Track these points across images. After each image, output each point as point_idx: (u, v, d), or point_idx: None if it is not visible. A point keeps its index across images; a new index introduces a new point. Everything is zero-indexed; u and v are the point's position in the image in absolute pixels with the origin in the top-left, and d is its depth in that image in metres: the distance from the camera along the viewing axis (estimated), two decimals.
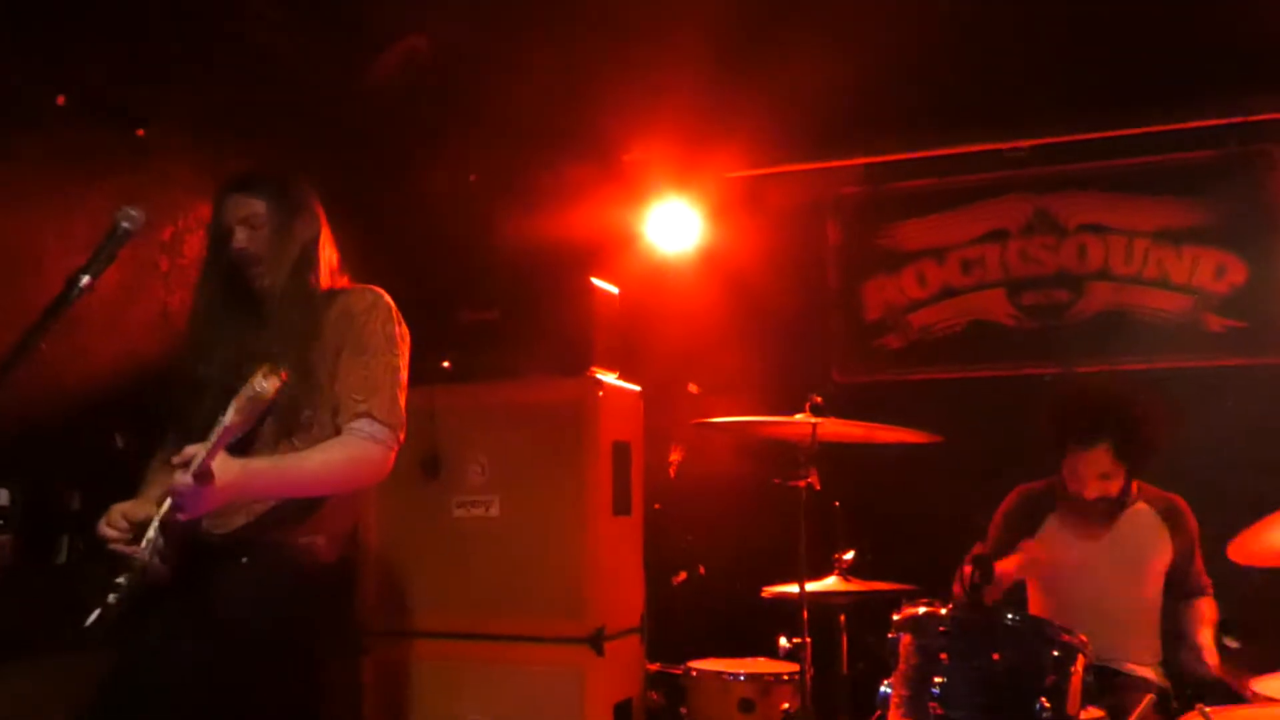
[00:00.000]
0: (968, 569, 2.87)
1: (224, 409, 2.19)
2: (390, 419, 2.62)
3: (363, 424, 2.58)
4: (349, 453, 2.56)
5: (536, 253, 4.51)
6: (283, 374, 2.20)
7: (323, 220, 2.81)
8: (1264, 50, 4.11)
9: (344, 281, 2.82)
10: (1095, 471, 3.41)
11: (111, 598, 2.31)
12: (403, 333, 2.75)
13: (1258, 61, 4.19)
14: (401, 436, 2.67)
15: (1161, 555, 3.54)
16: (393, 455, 2.65)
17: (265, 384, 2.16)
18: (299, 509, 2.57)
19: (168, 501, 2.32)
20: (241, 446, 2.37)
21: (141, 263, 3.65)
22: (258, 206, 2.68)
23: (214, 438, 2.21)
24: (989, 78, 4.42)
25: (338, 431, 2.60)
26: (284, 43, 3.98)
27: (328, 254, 2.79)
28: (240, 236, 2.67)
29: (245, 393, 2.17)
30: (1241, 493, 3.68)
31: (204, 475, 2.23)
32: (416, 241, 4.51)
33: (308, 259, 2.71)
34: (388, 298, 2.76)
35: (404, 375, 2.71)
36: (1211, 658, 3.32)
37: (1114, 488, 3.44)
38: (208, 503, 2.29)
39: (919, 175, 4.93)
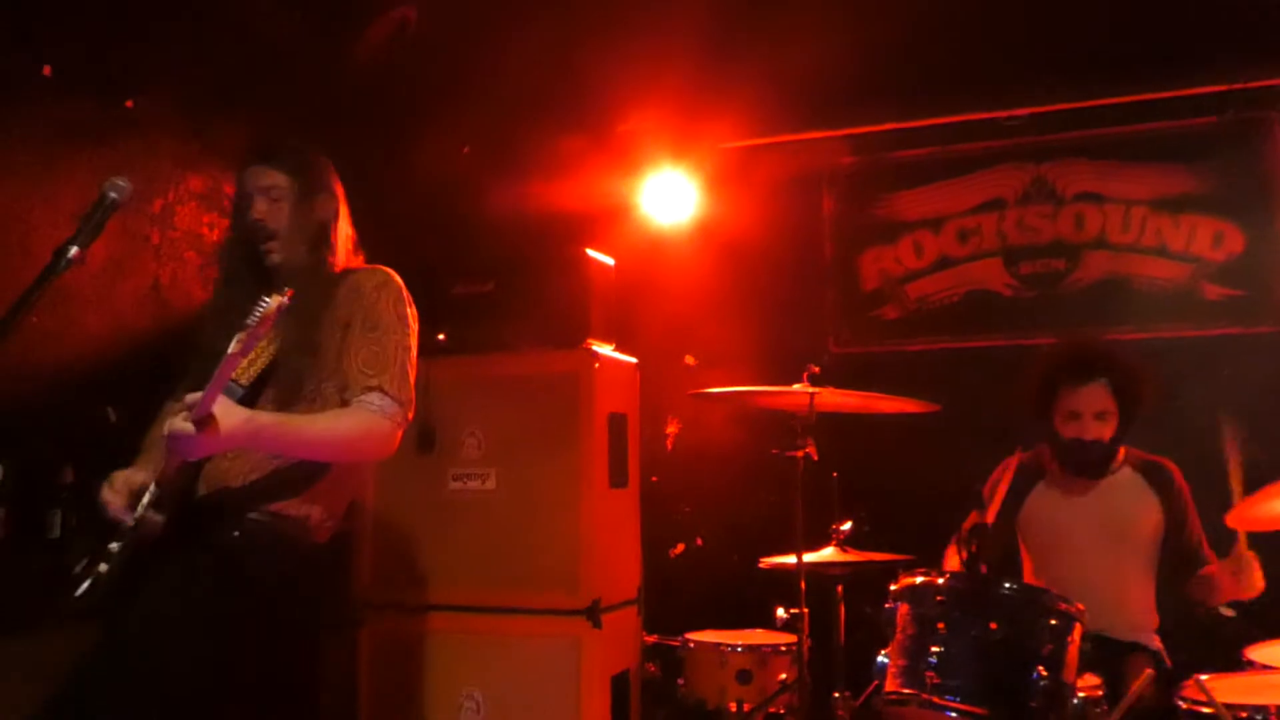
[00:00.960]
0: (961, 542, 2.87)
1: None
2: (401, 395, 2.61)
3: (374, 397, 2.57)
4: (358, 422, 2.54)
5: (531, 225, 4.49)
6: (288, 291, 2.19)
7: (341, 199, 2.80)
8: (1262, 17, 4.09)
9: (358, 261, 2.81)
10: (1093, 409, 3.40)
11: (103, 566, 2.29)
12: (413, 313, 2.75)
13: (1256, 28, 4.17)
14: (410, 415, 2.66)
15: (1148, 519, 3.51)
16: (399, 433, 2.64)
17: (268, 301, 2.14)
18: (296, 479, 2.56)
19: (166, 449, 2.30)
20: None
21: (132, 236, 3.62)
22: (279, 179, 2.68)
23: (217, 371, 2.19)
24: (985, 46, 4.39)
25: (344, 405, 2.58)
26: (274, 14, 3.94)
27: (344, 234, 2.79)
28: (260, 207, 2.66)
29: (251, 319, 2.14)
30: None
31: (205, 420, 2.21)
32: (410, 214, 4.48)
33: (325, 238, 2.71)
34: (397, 278, 2.75)
35: (414, 355, 2.71)
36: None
37: (1109, 430, 3.43)
38: (206, 446, 2.26)
39: (914, 145, 4.90)
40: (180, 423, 2.22)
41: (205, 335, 2.61)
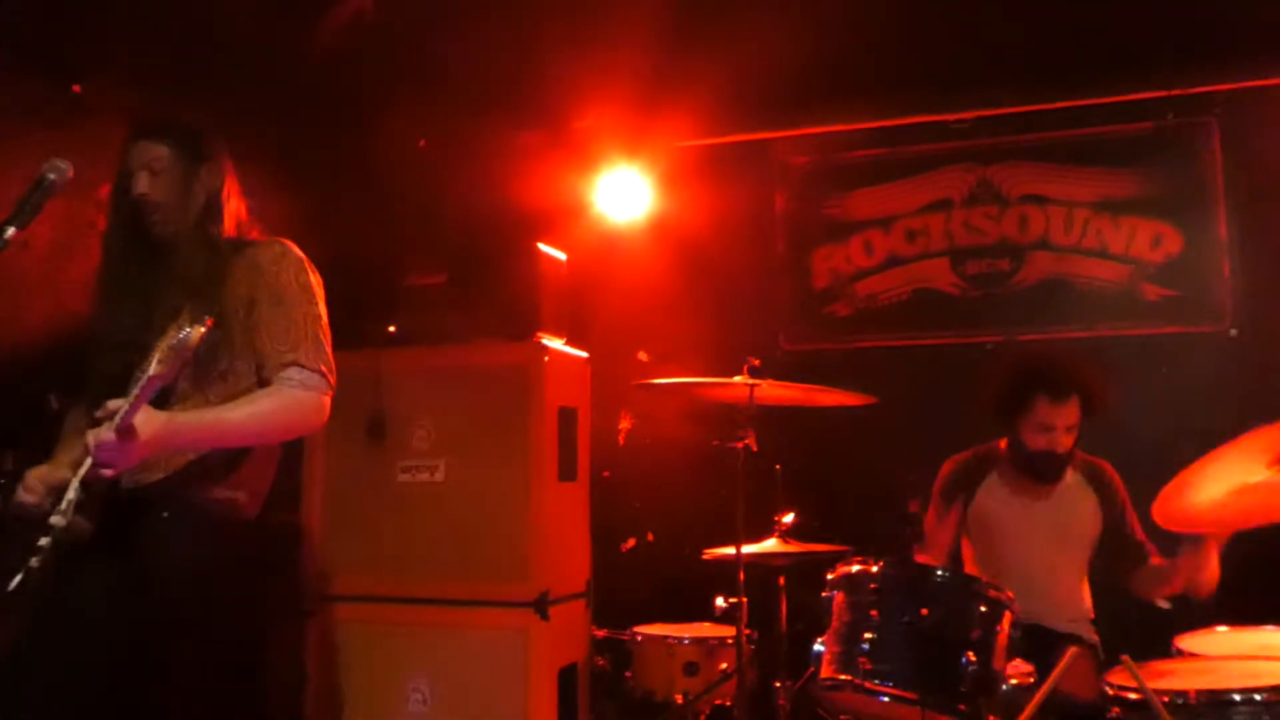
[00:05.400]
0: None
1: (142, 360, 2.17)
2: (318, 364, 2.61)
3: (292, 373, 2.57)
4: (280, 402, 2.54)
5: (485, 218, 4.50)
6: (208, 320, 2.20)
7: (230, 170, 2.76)
8: (1201, 24, 4.18)
9: (254, 233, 2.78)
10: (1066, 424, 3.46)
11: (34, 561, 2.28)
12: (317, 280, 2.72)
13: (1196, 36, 4.27)
14: (333, 380, 2.65)
15: (1090, 518, 3.60)
16: (327, 399, 2.64)
17: (190, 331, 2.15)
18: (219, 465, 2.56)
19: (88, 461, 2.30)
20: (158, 401, 2.35)
21: (76, 221, 3.59)
22: (161, 151, 2.65)
23: (137, 390, 2.19)
24: (934, 50, 4.46)
25: (261, 384, 2.58)
26: (228, 0, 3.93)
27: (234, 205, 2.75)
28: (141, 182, 2.63)
29: (169, 342, 2.15)
30: (1174, 458, 3.76)
31: (127, 430, 2.21)
32: (364, 205, 4.48)
33: (212, 208, 2.67)
34: (296, 249, 2.73)
35: (325, 322, 2.69)
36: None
37: (1071, 441, 3.50)
38: (131, 457, 2.27)
39: (865, 146, 4.97)
40: (104, 432, 2.22)
41: (104, 321, 2.61)
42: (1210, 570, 3.22)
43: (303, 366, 2.58)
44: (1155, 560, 3.48)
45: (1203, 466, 2.66)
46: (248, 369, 2.59)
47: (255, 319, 2.60)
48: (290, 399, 2.56)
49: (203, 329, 2.17)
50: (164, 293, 2.57)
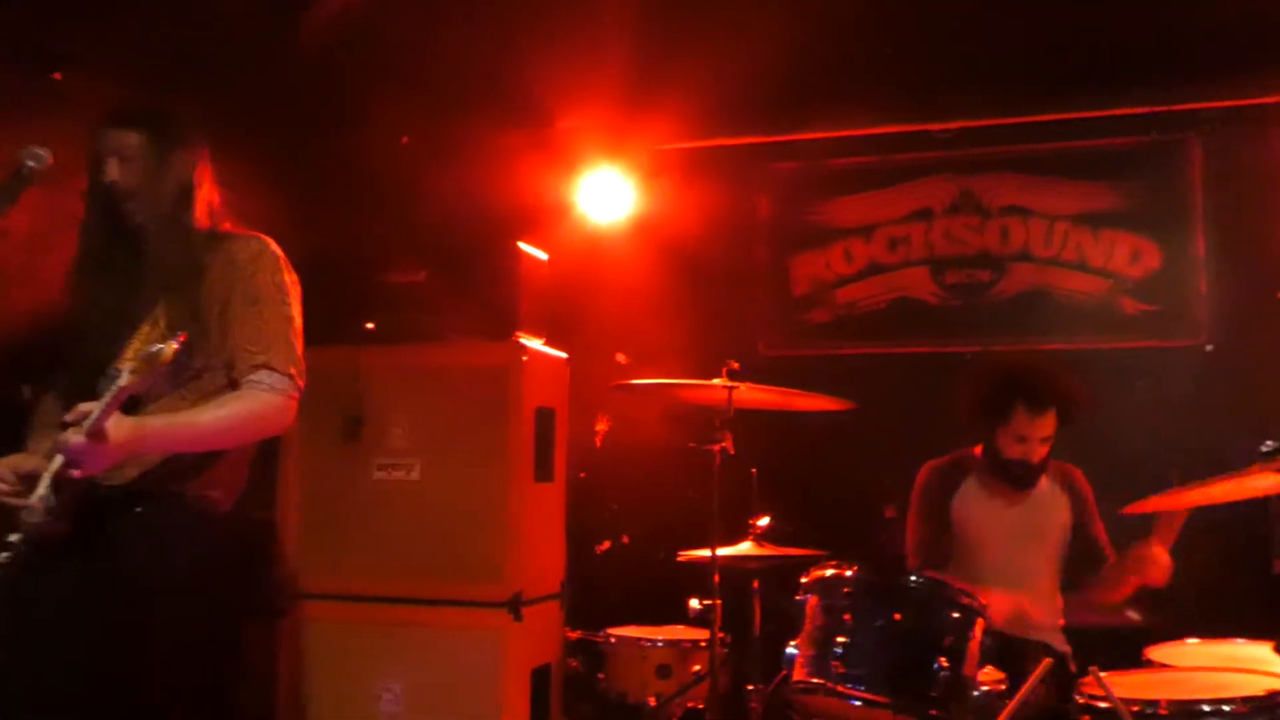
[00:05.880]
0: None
1: (116, 352, 2.15)
2: (288, 368, 2.58)
3: (262, 375, 2.54)
4: (248, 406, 2.52)
5: (466, 217, 4.49)
6: (181, 336, 2.19)
7: (204, 157, 2.72)
8: (1186, 41, 4.21)
9: (227, 225, 2.74)
10: (1041, 435, 3.49)
11: (3, 556, 2.27)
12: (292, 279, 2.69)
13: (1180, 52, 4.30)
14: (302, 384, 2.62)
15: (1061, 523, 3.63)
16: (294, 403, 2.61)
17: (163, 347, 2.14)
18: (193, 463, 2.53)
19: (58, 459, 2.28)
20: (132, 400, 2.32)
21: (57, 211, 3.56)
22: (131, 139, 2.60)
23: (108, 398, 2.17)
24: (919, 60, 4.48)
25: (232, 384, 2.56)
26: None
27: (206, 192, 2.70)
28: (112, 170, 2.59)
29: (142, 354, 2.14)
30: (1150, 471, 3.81)
31: (98, 434, 2.20)
32: (345, 202, 4.47)
33: (184, 195, 2.63)
34: (274, 245, 2.69)
35: (299, 323, 2.66)
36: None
37: (1047, 450, 3.53)
38: (101, 461, 2.26)
39: (848, 153, 4.99)
40: (74, 436, 2.20)
41: (79, 309, 2.59)
42: (1161, 560, 3.26)
43: (273, 370, 2.55)
44: (1109, 563, 3.53)
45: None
46: (221, 369, 2.57)
47: (229, 317, 2.57)
48: (259, 402, 2.53)
49: (175, 345, 2.16)
50: (140, 282, 2.54)
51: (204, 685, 2.59)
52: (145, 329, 2.42)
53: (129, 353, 2.24)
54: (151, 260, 2.57)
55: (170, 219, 2.60)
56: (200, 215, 2.66)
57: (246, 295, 2.59)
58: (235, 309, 2.57)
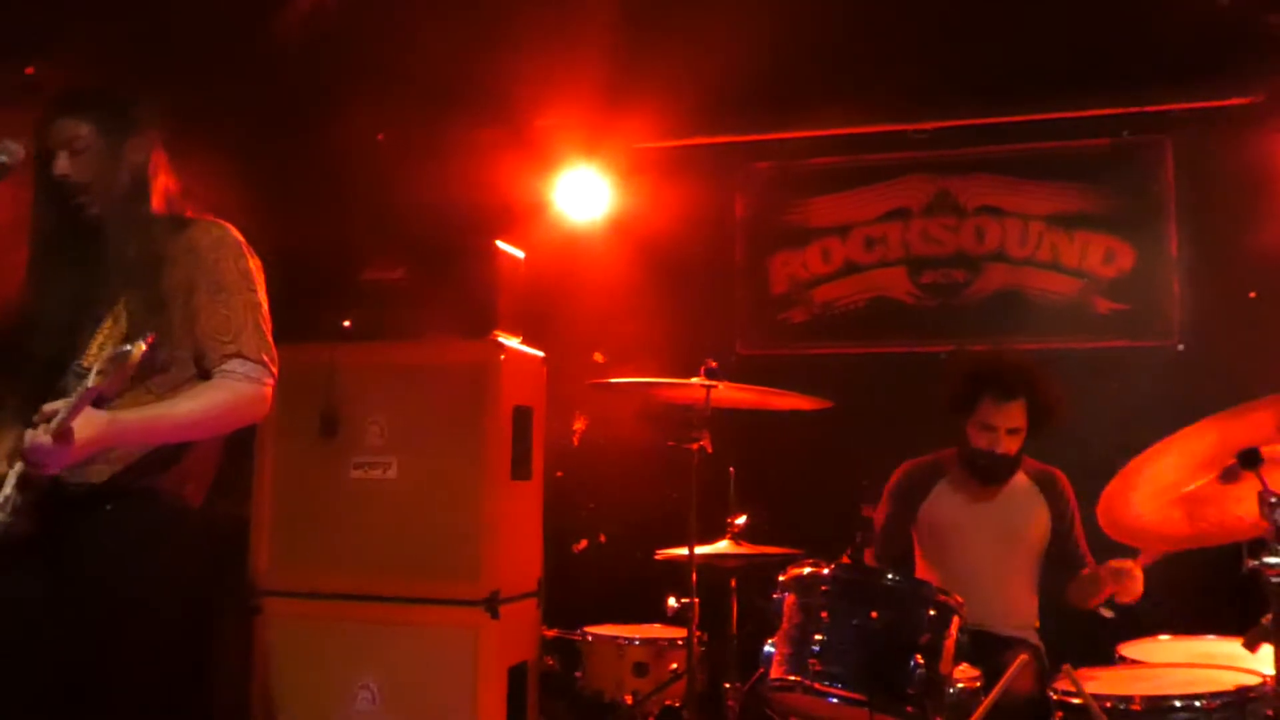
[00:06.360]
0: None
1: (74, 353, 2.13)
2: (260, 355, 2.55)
3: (234, 364, 2.51)
4: (224, 396, 2.49)
5: (443, 215, 4.48)
6: (149, 338, 2.16)
7: (158, 143, 2.64)
8: (1159, 43, 4.26)
9: (186, 211, 2.67)
10: (1007, 425, 3.51)
11: None
12: (256, 264, 2.64)
13: (1153, 54, 4.35)
14: (275, 370, 2.60)
15: (1038, 524, 3.66)
16: (269, 390, 2.58)
17: (130, 348, 2.12)
18: (163, 458, 2.50)
19: (21, 461, 2.26)
20: (98, 397, 2.28)
21: (28, 205, 3.54)
22: (81, 129, 2.51)
23: (75, 399, 2.16)
24: (896, 61, 4.49)
25: (202, 375, 2.53)
26: None
27: (163, 180, 2.62)
28: (61, 163, 2.49)
29: (109, 355, 2.13)
30: (1120, 469, 3.83)
31: (64, 435, 2.18)
32: (322, 198, 4.44)
33: (140, 185, 2.56)
34: (235, 231, 2.64)
35: (266, 309, 2.62)
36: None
37: (1015, 445, 3.55)
38: (68, 460, 2.24)
39: (825, 153, 5.01)
40: (40, 436, 2.18)
41: (36, 304, 2.53)
42: (1134, 582, 3.30)
43: (245, 358, 2.52)
44: (1086, 570, 3.54)
45: (1140, 467, 2.69)
46: (189, 359, 2.53)
47: (194, 306, 2.52)
48: (234, 391, 2.50)
49: (144, 346, 2.14)
50: (99, 275, 2.49)
51: (177, 684, 2.57)
52: (108, 324, 2.40)
53: (94, 349, 2.22)
54: (111, 253, 2.50)
55: (127, 210, 2.53)
56: (158, 204, 2.59)
57: (211, 284, 2.54)
58: (200, 299, 2.53)
